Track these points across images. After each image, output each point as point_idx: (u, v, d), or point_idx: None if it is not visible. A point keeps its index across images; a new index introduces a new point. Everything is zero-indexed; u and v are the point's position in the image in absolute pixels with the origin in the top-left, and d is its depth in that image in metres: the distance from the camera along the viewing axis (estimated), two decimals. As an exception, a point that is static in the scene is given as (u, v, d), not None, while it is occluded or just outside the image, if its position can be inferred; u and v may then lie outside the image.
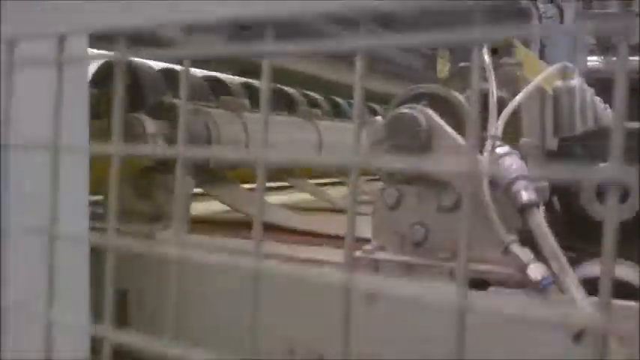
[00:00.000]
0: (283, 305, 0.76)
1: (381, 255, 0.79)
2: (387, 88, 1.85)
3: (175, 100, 1.05)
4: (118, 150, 0.30)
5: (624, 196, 0.74)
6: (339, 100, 1.84)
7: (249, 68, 1.67)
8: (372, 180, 1.87)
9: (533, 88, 0.84)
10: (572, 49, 3.07)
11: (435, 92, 0.82)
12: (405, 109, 0.77)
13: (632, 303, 0.61)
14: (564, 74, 0.97)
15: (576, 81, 0.96)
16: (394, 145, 0.77)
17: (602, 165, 0.87)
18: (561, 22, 3.45)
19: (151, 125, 0.97)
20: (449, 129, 0.76)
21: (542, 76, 0.88)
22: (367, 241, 0.83)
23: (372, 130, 0.80)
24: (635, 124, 0.76)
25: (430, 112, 0.77)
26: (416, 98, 0.83)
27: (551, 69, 0.91)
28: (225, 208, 1.20)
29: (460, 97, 0.82)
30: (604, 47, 5.03)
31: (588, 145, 0.88)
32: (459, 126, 0.79)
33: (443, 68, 1.96)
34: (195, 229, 0.99)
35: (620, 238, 0.21)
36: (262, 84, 0.27)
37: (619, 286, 0.60)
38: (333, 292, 0.23)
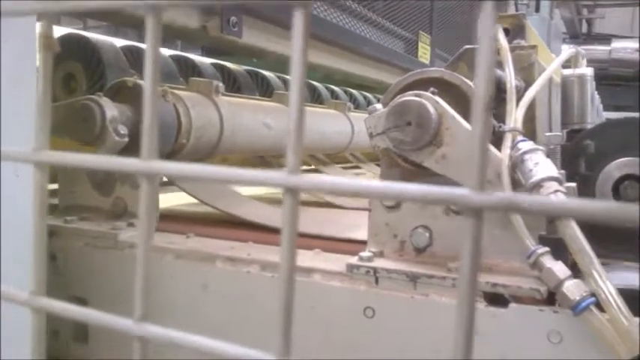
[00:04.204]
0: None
1: (379, 263, 0.69)
2: (364, 70, 1.74)
3: (140, 81, 0.93)
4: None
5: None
6: (315, 84, 1.72)
7: (219, 48, 1.54)
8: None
9: (549, 75, 0.75)
10: (546, 36, 3.03)
11: (441, 78, 0.72)
12: (411, 97, 0.67)
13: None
14: (575, 61, 0.88)
15: (587, 69, 0.88)
16: (398, 136, 0.67)
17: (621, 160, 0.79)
18: (537, 8, 3.40)
19: (110, 108, 0.84)
20: (461, 119, 0.66)
21: (557, 62, 0.79)
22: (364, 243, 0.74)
23: (372, 119, 0.69)
24: None
25: (439, 99, 0.67)
26: (419, 84, 0.73)
27: (564, 55, 0.82)
28: (191, 200, 1.08)
29: (470, 83, 0.72)
30: (573, 36, 5.04)
31: (604, 138, 0.80)
32: (467, 116, 0.70)
33: (424, 52, 1.87)
34: (162, 226, 0.88)
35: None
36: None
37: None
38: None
